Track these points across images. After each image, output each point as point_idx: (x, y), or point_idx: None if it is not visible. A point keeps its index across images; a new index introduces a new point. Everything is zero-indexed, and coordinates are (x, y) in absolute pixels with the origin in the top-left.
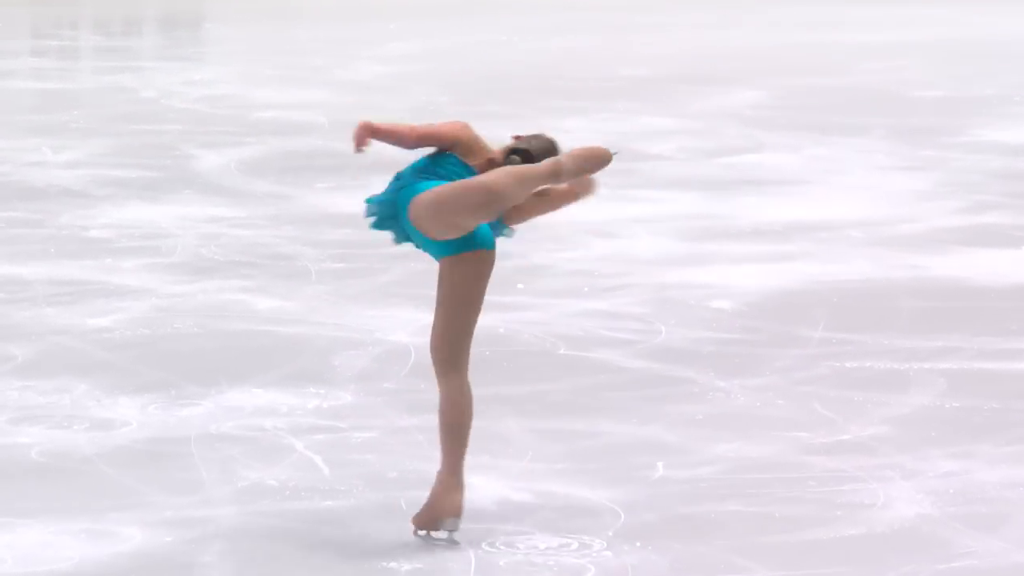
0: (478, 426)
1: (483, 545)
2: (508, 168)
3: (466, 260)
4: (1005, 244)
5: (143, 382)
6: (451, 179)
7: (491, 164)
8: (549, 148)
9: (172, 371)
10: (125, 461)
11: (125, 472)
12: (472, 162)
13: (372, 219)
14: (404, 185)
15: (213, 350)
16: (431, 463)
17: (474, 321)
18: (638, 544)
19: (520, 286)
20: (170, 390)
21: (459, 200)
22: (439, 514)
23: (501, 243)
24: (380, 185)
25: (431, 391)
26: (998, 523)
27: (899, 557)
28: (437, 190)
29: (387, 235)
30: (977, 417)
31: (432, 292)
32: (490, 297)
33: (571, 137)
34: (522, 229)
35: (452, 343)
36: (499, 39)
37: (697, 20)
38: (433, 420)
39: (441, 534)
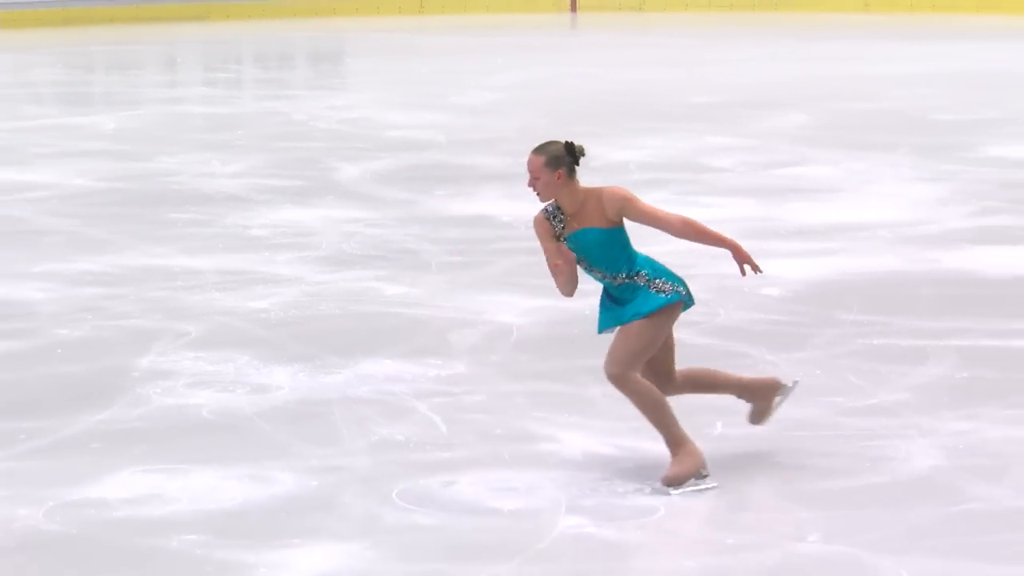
0: (565, 391)
1: (572, 489)
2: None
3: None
4: (1009, 242)
5: (293, 354)
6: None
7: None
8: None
9: (317, 345)
10: (278, 419)
11: (278, 428)
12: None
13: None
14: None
15: (351, 328)
16: (531, 421)
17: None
18: (700, 489)
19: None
20: (315, 361)
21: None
22: (689, 474)
23: None
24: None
25: (531, 363)
26: (1001, 473)
27: (918, 501)
28: None
29: (497, 233)
30: (983, 385)
31: (529, 280)
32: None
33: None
34: None
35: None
36: (589, 71)
37: (752, 55)
38: (532, 386)
39: (702, 483)
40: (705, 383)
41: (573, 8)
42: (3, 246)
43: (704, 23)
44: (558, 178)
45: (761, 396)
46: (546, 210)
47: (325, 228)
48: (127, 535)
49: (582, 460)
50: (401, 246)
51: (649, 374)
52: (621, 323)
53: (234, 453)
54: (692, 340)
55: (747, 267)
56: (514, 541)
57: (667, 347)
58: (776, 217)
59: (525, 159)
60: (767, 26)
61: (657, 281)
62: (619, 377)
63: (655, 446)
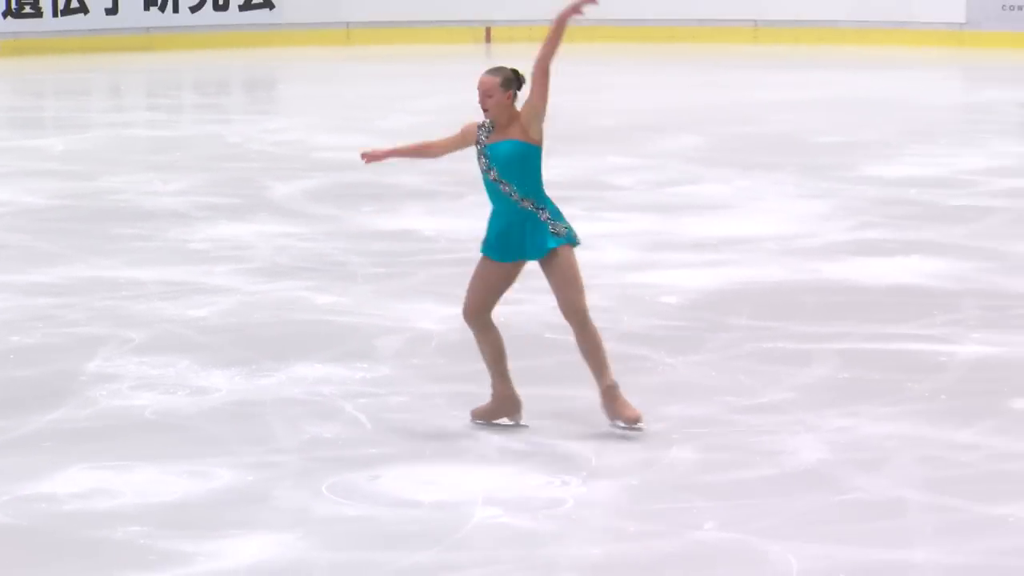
0: (481, 392)
1: (487, 482)
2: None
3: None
4: (884, 253)
5: (230, 358)
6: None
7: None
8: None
9: (253, 350)
10: (217, 419)
11: (217, 427)
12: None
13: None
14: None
15: (284, 334)
16: (450, 420)
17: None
18: (605, 481)
19: (516, 285)
20: (251, 364)
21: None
22: (623, 413)
23: None
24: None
25: (450, 366)
26: (879, 465)
27: (804, 492)
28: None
29: (419, 246)
30: (862, 384)
31: (448, 290)
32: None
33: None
34: None
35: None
36: None
37: (651, 82)
38: (451, 387)
39: (635, 426)
40: (493, 352)
41: (487, 39)
42: None
43: (607, 52)
44: (508, 98)
45: (499, 403)
46: (482, 124)
47: (259, 242)
48: (75, 527)
49: (497, 456)
50: (330, 258)
51: (484, 310)
52: (528, 258)
53: (175, 450)
54: None
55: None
56: (435, 530)
57: (501, 290)
58: (673, 231)
59: (446, 168)
60: (664, 56)
61: (556, 224)
62: (584, 318)
63: (564, 442)
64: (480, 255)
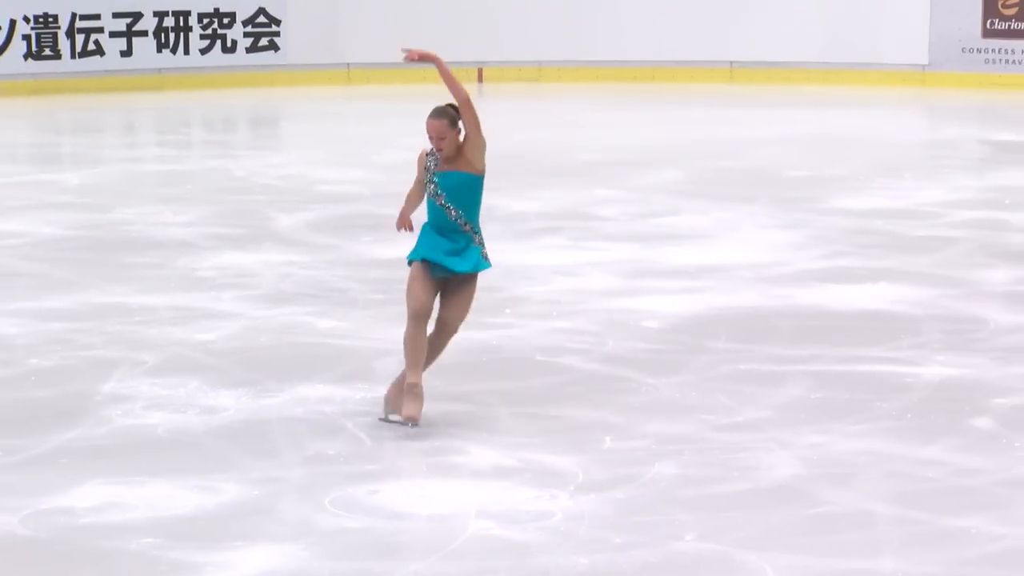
0: (474, 411)
1: (480, 496)
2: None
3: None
4: (854, 280)
5: (237, 379)
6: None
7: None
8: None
9: (258, 372)
10: (224, 436)
11: (224, 444)
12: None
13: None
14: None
15: (287, 357)
16: (445, 437)
17: None
18: (591, 495)
19: (507, 311)
20: (257, 385)
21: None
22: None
23: (491, 278)
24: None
25: (445, 386)
26: (849, 480)
27: (779, 505)
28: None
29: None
30: (834, 404)
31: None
32: (485, 318)
33: (547, 204)
34: (508, 270)
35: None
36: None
37: (634, 119)
38: (445, 407)
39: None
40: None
41: (479, 79)
42: None
43: (592, 91)
44: (456, 134)
45: (398, 397)
46: (430, 152)
47: (264, 270)
48: (91, 538)
49: (489, 471)
50: (331, 285)
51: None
52: (456, 272)
53: (185, 466)
54: (583, 366)
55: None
56: (431, 542)
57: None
58: (654, 260)
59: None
60: (646, 94)
61: (483, 248)
62: (454, 333)
63: (553, 458)
64: (411, 262)
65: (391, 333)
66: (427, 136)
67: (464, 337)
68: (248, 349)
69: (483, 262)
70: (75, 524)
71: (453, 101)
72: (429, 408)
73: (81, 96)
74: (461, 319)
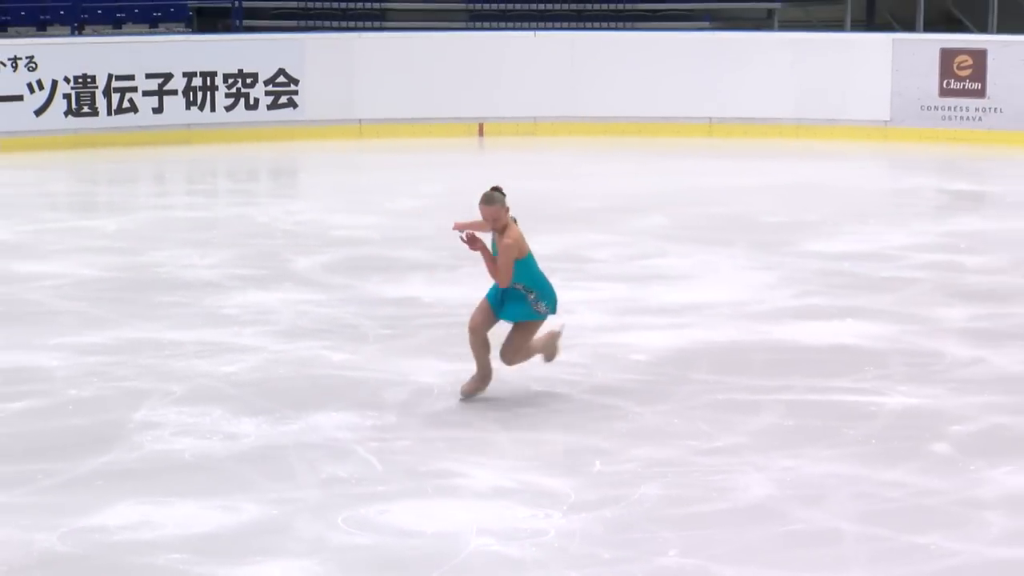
0: (476, 436)
1: (481, 515)
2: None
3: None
4: (824, 317)
5: (257, 408)
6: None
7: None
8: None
9: (277, 401)
10: (245, 460)
11: (246, 468)
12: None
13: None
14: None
15: (304, 387)
16: (449, 461)
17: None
18: (583, 514)
19: None
20: (275, 413)
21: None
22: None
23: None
24: (415, 280)
25: (448, 414)
26: (819, 501)
27: (754, 523)
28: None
29: (420, 311)
30: (805, 431)
31: (446, 349)
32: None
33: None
34: None
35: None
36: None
37: (623, 169)
38: (449, 433)
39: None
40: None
41: (481, 133)
42: (26, 323)
43: (584, 144)
44: (506, 212)
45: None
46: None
47: (283, 308)
48: (123, 554)
49: (490, 492)
50: (344, 322)
51: (485, 328)
52: (507, 319)
53: (209, 488)
54: (575, 395)
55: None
56: (435, 557)
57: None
58: (642, 298)
59: (444, 244)
60: (634, 147)
61: (539, 304)
62: (510, 361)
63: (547, 480)
64: (485, 298)
65: (399, 365)
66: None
67: (464, 369)
68: (268, 380)
69: (532, 314)
70: (109, 541)
71: (496, 185)
72: (434, 434)
73: (116, 149)
74: (508, 355)
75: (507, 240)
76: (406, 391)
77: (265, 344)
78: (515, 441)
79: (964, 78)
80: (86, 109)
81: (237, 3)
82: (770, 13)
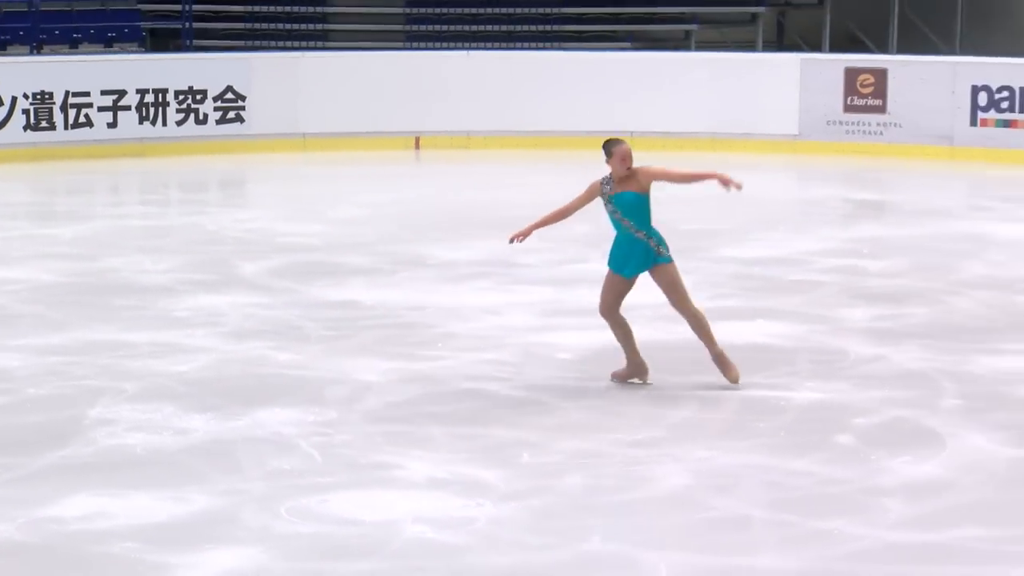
0: (412, 431)
1: (417, 504)
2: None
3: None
4: (737, 318)
5: (207, 405)
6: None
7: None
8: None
9: (225, 398)
10: (195, 454)
11: (196, 461)
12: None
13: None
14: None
15: (251, 385)
16: (386, 454)
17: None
18: (512, 503)
19: (440, 345)
20: (224, 410)
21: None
22: (727, 373)
23: (425, 316)
24: (356, 284)
25: (386, 410)
26: (732, 489)
27: (673, 510)
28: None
29: (361, 313)
30: (719, 424)
31: (385, 348)
32: (420, 351)
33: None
34: (441, 310)
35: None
36: (430, 192)
37: (549, 180)
38: (387, 428)
39: (734, 384)
40: (623, 334)
41: (417, 146)
42: None
43: (514, 156)
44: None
45: (632, 368)
46: (603, 179)
47: (231, 310)
48: (79, 544)
49: (425, 483)
50: (289, 323)
51: (614, 308)
52: (644, 269)
53: (161, 480)
54: (505, 392)
55: (731, 187)
56: (374, 544)
57: (624, 294)
58: (568, 300)
59: (384, 250)
60: (560, 160)
61: (660, 248)
62: (686, 309)
63: (479, 472)
64: (608, 270)
65: (341, 364)
66: (615, 163)
67: (402, 367)
68: (217, 379)
69: (659, 258)
70: (65, 531)
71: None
72: (372, 429)
73: (73, 162)
74: (679, 302)
75: (654, 166)
76: (347, 388)
77: (215, 345)
78: (449, 435)
79: (867, 95)
80: (44, 124)
81: (188, 24)
82: (687, 34)
